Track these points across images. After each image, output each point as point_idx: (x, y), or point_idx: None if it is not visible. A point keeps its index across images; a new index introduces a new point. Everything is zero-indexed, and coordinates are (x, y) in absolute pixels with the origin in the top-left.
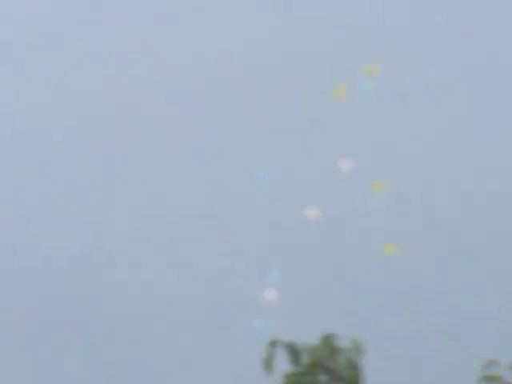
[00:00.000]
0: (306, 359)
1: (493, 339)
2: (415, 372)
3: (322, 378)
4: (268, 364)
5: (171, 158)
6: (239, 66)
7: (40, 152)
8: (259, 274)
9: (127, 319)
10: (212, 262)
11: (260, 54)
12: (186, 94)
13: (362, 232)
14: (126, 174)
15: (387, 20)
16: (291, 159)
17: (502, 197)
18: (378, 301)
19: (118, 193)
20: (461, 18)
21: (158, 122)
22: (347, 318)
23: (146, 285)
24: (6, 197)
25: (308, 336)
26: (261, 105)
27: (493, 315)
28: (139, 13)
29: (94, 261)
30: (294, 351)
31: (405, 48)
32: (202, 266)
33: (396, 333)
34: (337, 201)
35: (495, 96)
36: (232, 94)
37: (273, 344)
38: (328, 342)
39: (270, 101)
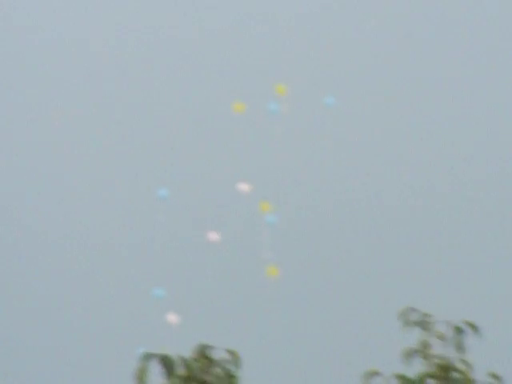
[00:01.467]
0: (181, 372)
1: (377, 351)
2: None
3: None
4: (140, 378)
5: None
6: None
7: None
8: (146, 291)
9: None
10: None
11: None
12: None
13: (253, 252)
14: None
15: (294, 40)
16: (191, 177)
17: (391, 225)
18: (261, 318)
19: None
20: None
21: None
22: (237, 336)
23: (41, 297)
24: None
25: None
26: (161, 121)
27: (377, 328)
28: None
29: None
30: (166, 364)
31: (310, 72)
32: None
33: (279, 347)
34: (233, 221)
35: (397, 122)
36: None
37: (145, 357)
38: (203, 353)
39: (171, 118)
